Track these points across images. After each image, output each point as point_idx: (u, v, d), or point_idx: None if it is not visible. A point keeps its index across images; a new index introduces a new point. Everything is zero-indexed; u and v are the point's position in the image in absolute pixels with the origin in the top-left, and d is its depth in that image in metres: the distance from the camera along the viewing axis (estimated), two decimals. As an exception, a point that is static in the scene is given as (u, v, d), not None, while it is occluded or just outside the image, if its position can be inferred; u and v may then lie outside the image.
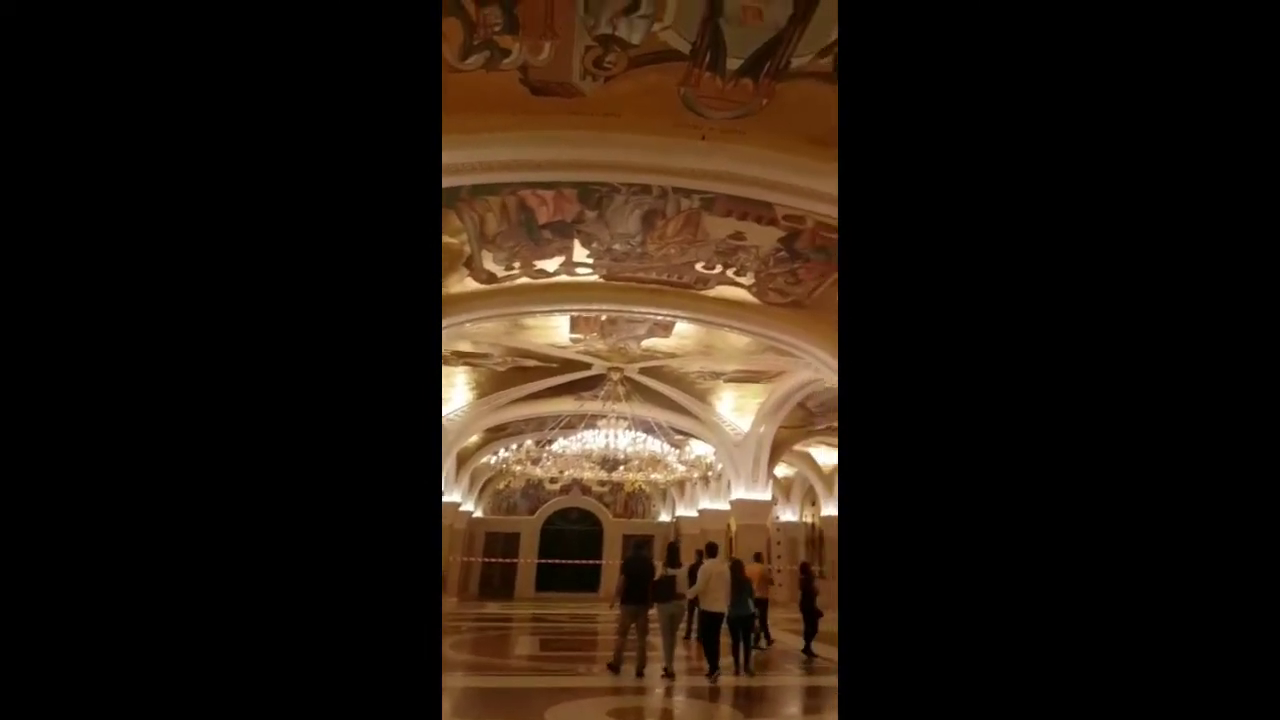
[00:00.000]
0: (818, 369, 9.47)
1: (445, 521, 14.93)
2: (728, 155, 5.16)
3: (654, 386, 12.23)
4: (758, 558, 11.37)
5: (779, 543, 20.33)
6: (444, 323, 7.65)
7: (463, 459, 16.76)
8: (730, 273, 7.57)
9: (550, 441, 12.64)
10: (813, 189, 5.51)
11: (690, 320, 8.78)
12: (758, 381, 12.07)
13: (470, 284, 7.65)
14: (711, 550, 8.20)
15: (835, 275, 7.35)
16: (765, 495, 14.24)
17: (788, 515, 20.95)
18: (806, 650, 9.57)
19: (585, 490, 18.17)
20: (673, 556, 8.17)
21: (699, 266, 7.44)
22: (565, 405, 12.76)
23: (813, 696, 7.56)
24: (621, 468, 12.00)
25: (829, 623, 9.79)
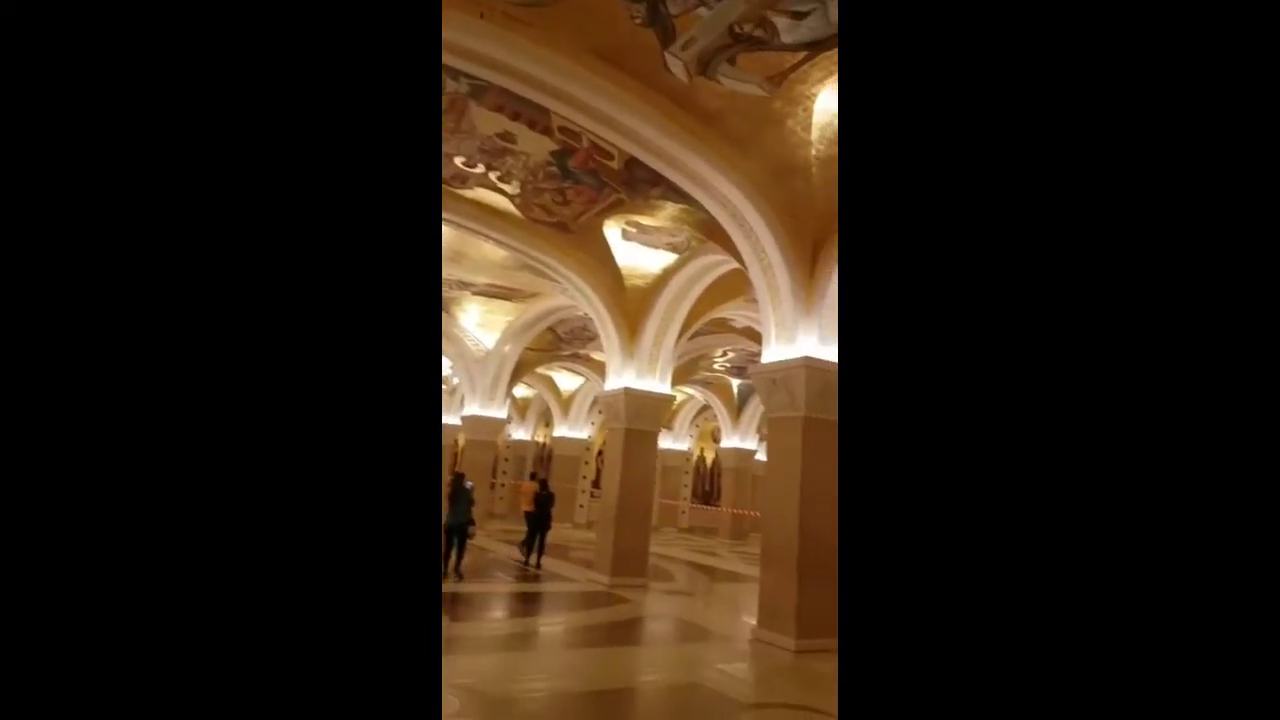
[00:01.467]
0: (573, 296, 9.46)
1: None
2: (506, 44, 4.67)
3: (396, 286, 11.24)
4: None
5: (507, 459, 20.75)
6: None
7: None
8: (494, 176, 7.08)
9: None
10: (591, 105, 5.27)
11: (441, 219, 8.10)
12: (509, 299, 11.76)
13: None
14: None
15: (603, 205, 7.28)
16: (501, 414, 14.21)
17: (520, 434, 21.33)
18: (525, 561, 10.04)
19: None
20: None
21: (458, 161, 6.82)
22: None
23: (519, 601, 7.85)
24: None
25: (556, 535, 10.28)
